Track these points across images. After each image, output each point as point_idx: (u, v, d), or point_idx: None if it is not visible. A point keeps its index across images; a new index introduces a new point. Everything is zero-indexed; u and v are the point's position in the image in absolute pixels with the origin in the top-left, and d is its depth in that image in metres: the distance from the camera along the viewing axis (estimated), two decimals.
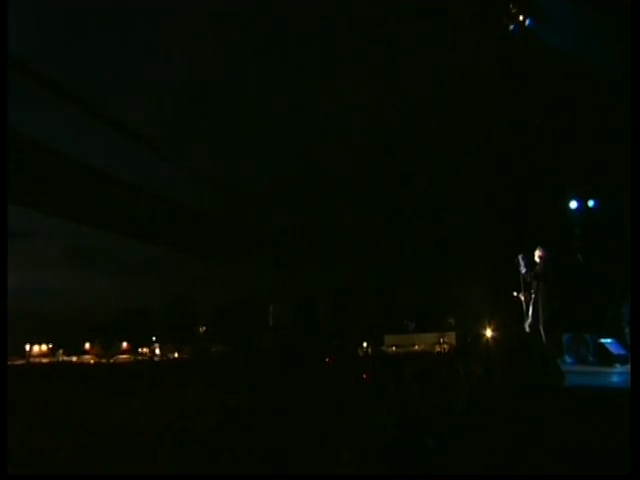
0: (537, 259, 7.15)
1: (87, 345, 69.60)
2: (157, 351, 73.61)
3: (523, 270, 7.05)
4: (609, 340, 7.21)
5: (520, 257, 7.21)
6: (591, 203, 13.58)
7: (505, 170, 15.51)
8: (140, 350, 72.71)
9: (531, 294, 6.95)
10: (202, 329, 79.43)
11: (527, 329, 6.31)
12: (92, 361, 61.01)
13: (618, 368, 6.79)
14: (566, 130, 14.52)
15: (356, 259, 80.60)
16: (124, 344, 72.21)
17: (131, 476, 4.31)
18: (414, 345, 63.61)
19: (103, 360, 59.80)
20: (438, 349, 58.39)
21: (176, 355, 69.76)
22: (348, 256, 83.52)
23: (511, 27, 12.92)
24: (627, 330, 11.21)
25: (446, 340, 63.14)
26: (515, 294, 7.20)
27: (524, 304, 7.15)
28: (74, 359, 61.16)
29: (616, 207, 13.86)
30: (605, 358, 6.83)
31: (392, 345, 66.02)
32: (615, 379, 4.98)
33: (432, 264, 69.85)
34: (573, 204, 13.66)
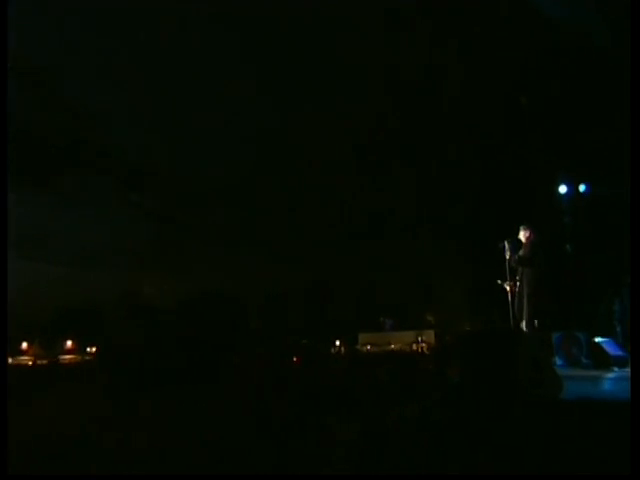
0: (523, 239, 6.51)
1: (24, 345, 66.71)
2: None
3: (507, 255, 6.41)
4: (605, 340, 6.72)
5: (506, 242, 6.57)
6: (582, 188, 13.24)
7: (489, 151, 15.01)
8: (89, 350, 70.36)
9: (516, 283, 6.34)
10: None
11: (515, 325, 5.73)
12: (30, 362, 58.61)
13: (616, 372, 6.31)
14: (556, 109, 14.10)
15: (330, 252, 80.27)
16: (69, 343, 69.59)
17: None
18: (390, 344, 63.77)
19: (44, 361, 57.49)
20: (415, 348, 58.81)
21: None
22: (322, 249, 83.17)
23: None
24: (619, 329, 10.87)
25: (424, 339, 63.44)
26: (499, 282, 6.55)
27: (509, 295, 6.55)
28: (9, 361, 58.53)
29: (610, 192, 13.55)
30: (601, 360, 6.33)
31: (367, 344, 65.95)
32: (618, 386, 4.41)
33: (409, 255, 70.02)
34: (562, 188, 13.30)
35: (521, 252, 6.39)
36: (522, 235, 6.53)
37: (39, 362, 53.41)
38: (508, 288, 6.46)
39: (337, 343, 72.83)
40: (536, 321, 5.89)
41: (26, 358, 62.40)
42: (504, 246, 6.54)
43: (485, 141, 15.07)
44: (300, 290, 70.50)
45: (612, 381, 5.42)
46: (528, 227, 6.52)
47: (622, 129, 13.15)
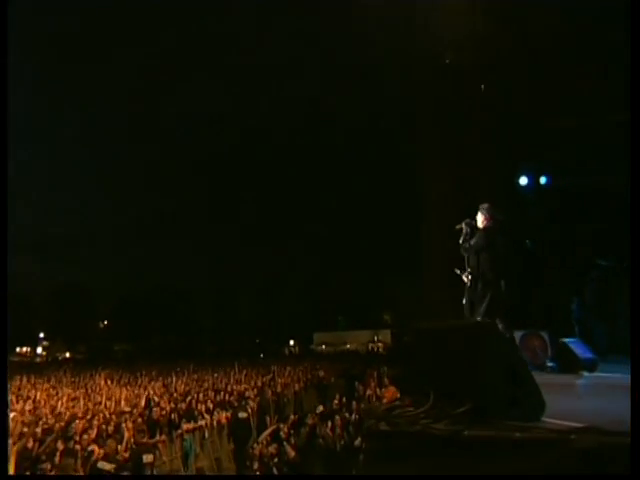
0: (479, 224, 5.61)
1: None
2: (39, 350, 67.21)
3: (460, 240, 5.52)
4: (572, 340, 6.03)
5: (464, 223, 5.69)
6: (543, 180, 12.70)
7: (448, 144, 14.25)
8: (18, 350, 65.42)
9: (469, 274, 5.47)
10: (103, 324, 73.90)
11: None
12: None
13: (586, 377, 5.58)
14: (517, 95, 13.51)
15: (285, 248, 79.53)
16: None
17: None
18: (346, 344, 63.20)
19: None
20: (371, 348, 58.39)
21: (67, 355, 64.04)
22: (277, 244, 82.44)
23: None
24: (577, 329, 10.33)
25: (380, 338, 63.22)
26: (457, 272, 5.65)
27: (466, 290, 5.67)
28: None
29: (573, 185, 13.10)
30: (568, 363, 5.61)
31: (322, 343, 65.25)
32: (601, 400, 3.58)
33: (367, 253, 70.23)
34: (523, 180, 12.71)
35: (474, 240, 5.53)
36: (480, 220, 5.68)
37: None
38: (466, 280, 5.58)
39: (291, 342, 71.67)
40: (497, 319, 5.06)
41: None
42: (462, 229, 5.69)
43: (443, 134, 14.26)
44: (252, 287, 69.28)
45: (587, 388, 4.66)
46: (486, 210, 5.66)
47: (582, 121, 12.72)
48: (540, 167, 12.67)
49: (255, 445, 6.20)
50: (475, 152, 13.27)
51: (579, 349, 5.86)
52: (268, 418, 11.20)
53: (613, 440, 2.07)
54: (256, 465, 5.69)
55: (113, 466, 7.50)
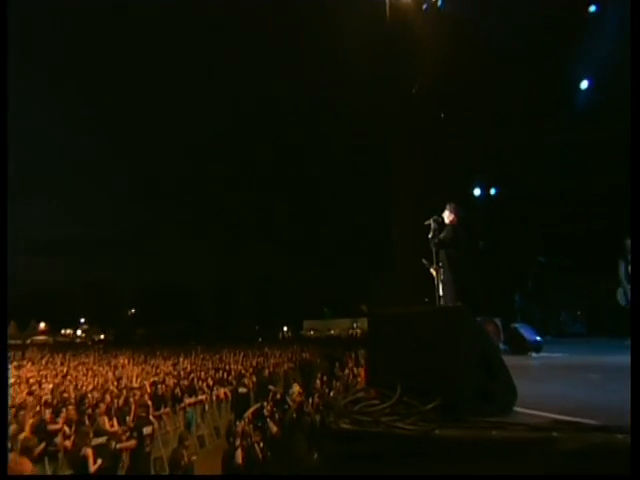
0: (446, 220, 5.13)
1: None
2: (79, 332, 65.89)
3: (430, 235, 5.03)
4: (521, 325, 5.54)
5: (432, 219, 5.17)
6: (493, 190, 12.26)
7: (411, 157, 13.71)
8: (63, 332, 64.56)
9: (439, 267, 4.95)
10: (131, 312, 72.69)
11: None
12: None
13: (535, 357, 5.06)
14: (473, 116, 12.99)
15: (277, 247, 78.80)
16: (41, 325, 63.40)
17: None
18: (330, 330, 62.82)
19: (18, 341, 52.01)
20: (351, 333, 58.05)
21: (102, 337, 62.97)
22: (270, 243, 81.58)
23: (424, 6, 11.14)
24: (518, 316, 9.99)
25: (359, 325, 62.94)
26: (425, 263, 5.12)
27: (436, 282, 5.14)
28: None
29: (514, 195, 12.73)
30: (518, 345, 5.11)
31: (310, 329, 64.71)
32: (561, 383, 3.01)
33: (348, 255, 69.84)
34: (476, 191, 12.26)
35: (442, 234, 5.04)
36: (446, 217, 5.20)
37: (12, 342, 48.14)
38: (434, 272, 5.06)
39: (285, 329, 71.11)
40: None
41: None
42: (430, 225, 5.17)
43: (411, 152, 13.65)
44: (250, 281, 68.34)
45: (541, 371, 4.11)
46: (452, 208, 5.19)
47: (527, 135, 12.32)
48: (490, 180, 12.29)
49: (238, 422, 5.58)
50: (438, 167, 12.75)
51: (527, 333, 5.35)
52: (263, 393, 10.60)
53: (597, 437, 1.48)
54: (238, 441, 5.05)
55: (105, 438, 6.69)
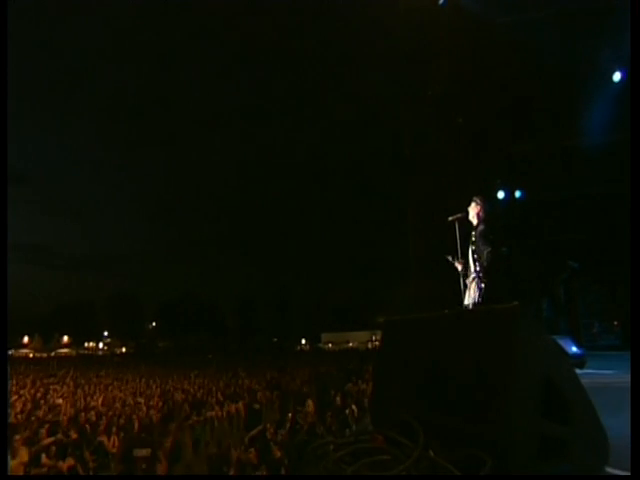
0: (472, 218, 4.51)
1: (25, 339, 60.86)
2: (101, 345, 66.37)
3: (457, 234, 4.42)
4: (561, 337, 4.77)
5: (457, 216, 4.55)
6: (518, 194, 11.45)
7: (435, 166, 13.05)
8: (86, 344, 65.23)
9: (466, 264, 4.30)
10: (152, 325, 73.12)
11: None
12: (31, 355, 53.59)
13: (580, 374, 4.27)
14: (496, 122, 12.39)
15: (295, 262, 78.51)
16: (65, 338, 64.11)
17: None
18: (348, 342, 61.42)
19: (44, 354, 52.66)
20: (369, 346, 56.54)
21: (123, 350, 63.30)
22: (287, 259, 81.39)
23: (440, 1, 10.61)
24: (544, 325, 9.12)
25: (377, 338, 61.19)
26: (449, 259, 4.46)
27: (461, 277, 4.48)
28: (11, 352, 53.31)
29: (541, 199, 11.88)
30: None
31: (328, 342, 63.41)
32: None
33: (363, 268, 69.08)
34: (500, 194, 11.47)
35: (473, 230, 4.44)
36: (472, 211, 4.57)
37: (37, 355, 48.70)
38: (459, 267, 4.41)
39: (303, 341, 70.32)
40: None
41: (27, 351, 57.28)
42: (454, 221, 4.54)
43: (431, 156, 13.09)
44: (269, 295, 67.99)
45: (605, 393, 3.32)
46: (479, 200, 4.55)
47: (550, 143, 11.51)
48: (515, 182, 11.51)
49: (233, 451, 4.93)
50: (459, 171, 12.07)
51: (566, 345, 4.57)
52: (275, 410, 9.96)
53: None
54: (232, 471, 4.36)
55: (149, 450, 6.14)
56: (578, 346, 4.69)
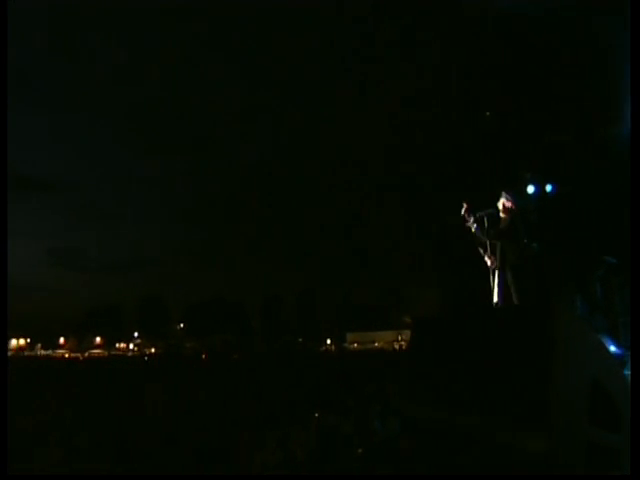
0: (501, 213, 4.28)
1: (62, 340, 63.43)
2: (131, 346, 68.40)
3: (474, 227, 4.11)
4: (600, 336, 4.49)
5: (486, 212, 4.33)
6: (549, 187, 10.95)
7: (461, 158, 12.76)
8: (117, 345, 67.46)
9: (495, 260, 4.08)
10: (180, 326, 74.82)
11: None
12: (67, 355, 55.79)
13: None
14: (523, 113, 11.96)
15: (320, 262, 78.67)
16: (97, 339, 66.40)
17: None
18: (374, 342, 60.75)
19: (79, 355, 54.70)
20: (396, 346, 55.77)
21: (152, 350, 65.09)
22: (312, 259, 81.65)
23: None
24: None
25: (403, 337, 60.32)
26: (481, 252, 4.25)
27: (491, 272, 4.27)
28: (48, 353, 55.72)
29: (573, 192, 11.36)
30: None
31: (353, 342, 62.92)
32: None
33: (388, 268, 68.41)
34: (530, 188, 11.00)
35: (501, 224, 4.21)
36: (500, 204, 4.35)
37: (78, 355, 50.55)
38: (489, 262, 4.21)
39: (328, 341, 70.19)
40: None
41: (62, 351, 59.71)
42: (483, 217, 4.33)
43: (456, 149, 12.81)
44: (293, 295, 68.38)
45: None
46: (509, 194, 4.33)
47: (584, 134, 11.03)
48: (546, 176, 11.07)
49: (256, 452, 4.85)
50: (486, 165, 11.74)
51: (608, 344, 4.29)
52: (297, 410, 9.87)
53: None
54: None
55: None
56: (617, 345, 4.40)
